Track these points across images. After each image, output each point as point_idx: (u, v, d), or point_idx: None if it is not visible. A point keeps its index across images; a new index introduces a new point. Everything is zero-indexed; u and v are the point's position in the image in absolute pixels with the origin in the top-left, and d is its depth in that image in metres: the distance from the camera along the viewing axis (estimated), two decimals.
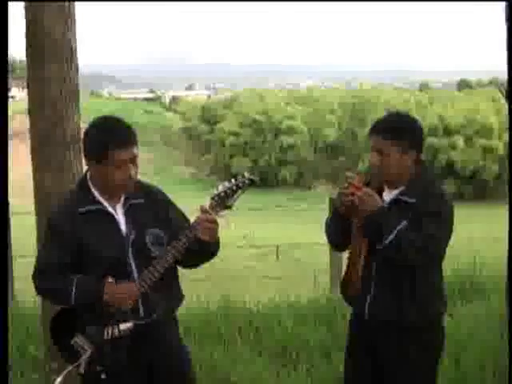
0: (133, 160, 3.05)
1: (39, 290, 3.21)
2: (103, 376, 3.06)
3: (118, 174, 3.02)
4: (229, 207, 3.02)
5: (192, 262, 3.23)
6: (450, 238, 3.25)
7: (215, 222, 3.01)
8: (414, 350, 3.29)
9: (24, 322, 5.79)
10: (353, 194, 3.16)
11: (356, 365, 3.51)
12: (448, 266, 7.63)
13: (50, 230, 3.15)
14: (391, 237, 3.09)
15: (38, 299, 4.93)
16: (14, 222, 6.83)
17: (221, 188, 3.00)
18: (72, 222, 3.07)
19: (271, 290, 8.52)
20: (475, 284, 7.25)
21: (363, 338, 3.44)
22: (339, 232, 3.38)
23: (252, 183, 3.03)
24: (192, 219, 3.11)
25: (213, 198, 3.00)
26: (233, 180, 3.01)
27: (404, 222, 3.12)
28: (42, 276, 3.13)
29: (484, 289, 7.10)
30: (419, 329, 3.30)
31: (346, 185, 3.21)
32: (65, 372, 3.12)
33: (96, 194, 3.12)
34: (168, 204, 3.28)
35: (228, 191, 3.00)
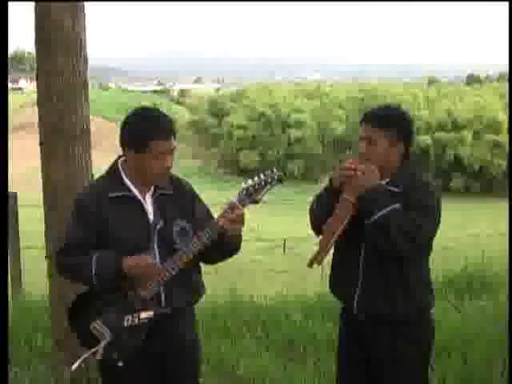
0: (171, 151, 3.06)
1: (61, 267, 3.18)
2: (120, 364, 3.06)
3: (155, 164, 3.03)
4: (256, 202, 3.00)
5: (214, 257, 3.23)
6: (436, 228, 3.23)
7: (242, 216, 3.00)
8: (402, 344, 3.29)
9: (31, 314, 5.80)
10: (355, 170, 3.17)
11: (349, 358, 3.52)
12: (456, 262, 7.67)
13: (76, 211, 3.14)
14: (382, 213, 3.07)
15: (46, 290, 4.93)
16: (21, 215, 6.82)
17: (250, 182, 2.98)
18: (99, 205, 3.07)
19: (278, 284, 8.54)
20: (483, 280, 7.24)
21: (354, 332, 3.45)
22: (326, 208, 3.32)
23: (280, 181, 3.01)
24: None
25: (241, 192, 2.99)
26: (261, 175, 2.99)
27: (398, 204, 3.11)
28: (65, 253, 3.13)
29: (491, 285, 7.10)
30: (408, 322, 3.30)
31: (351, 160, 3.26)
32: (82, 358, 3.12)
33: (126, 180, 3.12)
34: (195, 198, 3.28)
35: (257, 186, 2.98)
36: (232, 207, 2.99)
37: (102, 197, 3.08)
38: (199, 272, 3.33)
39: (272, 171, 3.01)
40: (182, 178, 3.33)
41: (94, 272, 3.01)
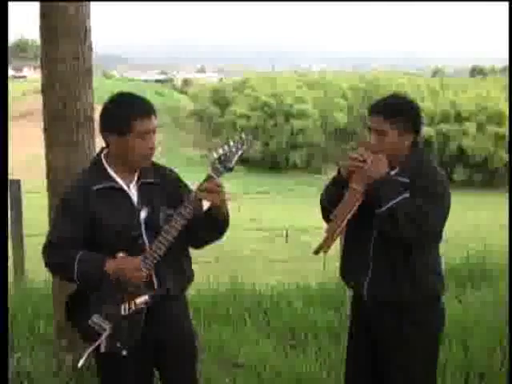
0: (154, 130, 3.08)
1: (47, 264, 3.18)
2: (124, 353, 3.07)
3: (139, 145, 3.03)
4: (230, 169, 3.01)
5: (203, 236, 3.23)
6: (445, 216, 3.24)
7: (220, 185, 3.01)
8: (408, 328, 3.32)
9: (33, 301, 5.82)
10: (364, 160, 3.19)
11: (356, 344, 3.56)
12: (457, 253, 7.68)
13: (63, 206, 3.15)
14: (392, 203, 3.10)
15: (48, 277, 4.96)
16: (24, 201, 6.82)
17: (220, 151, 2.98)
18: (85, 198, 3.07)
19: (279, 273, 8.54)
20: (484, 271, 7.27)
21: (362, 318, 3.49)
22: (335, 197, 3.34)
23: (251, 144, 3.03)
24: None
25: (214, 162, 2.99)
26: (231, 142, 3.00)
27: (406, 194, 3.14)
28: (52, 249, 3.13)
29: (492, 274, 7.12)
30: (415, 307, 3.33)
31: (360, 150, 3.25)
32: (87, 353, 3.14)
33: (110, 171, 3.13)
34: (180, 184, 3.28)
35: (228, 154, 2.98)
36: (207, 178, 3.00)
37: (89, 190, 3.09)
38: (189, 260, 3.35)
39: (240, 137, 3.01)
40: (165, 166, 3.34)
41: (76, 276, 3.03)
